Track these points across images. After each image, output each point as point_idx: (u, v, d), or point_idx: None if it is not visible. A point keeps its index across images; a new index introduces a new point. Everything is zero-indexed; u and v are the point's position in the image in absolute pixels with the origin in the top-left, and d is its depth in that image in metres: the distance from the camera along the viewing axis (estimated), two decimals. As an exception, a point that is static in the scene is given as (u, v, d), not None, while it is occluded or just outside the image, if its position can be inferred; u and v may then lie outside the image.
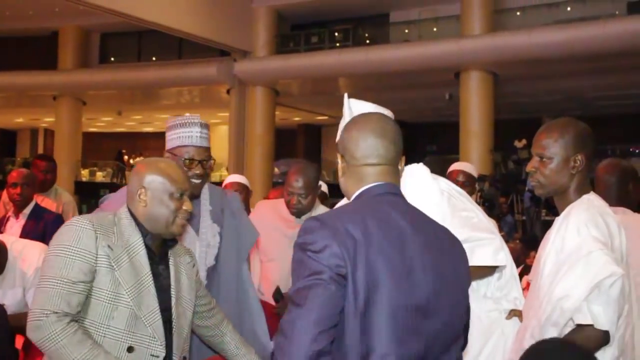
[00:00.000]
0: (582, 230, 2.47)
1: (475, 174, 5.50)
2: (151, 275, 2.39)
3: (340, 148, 2.01)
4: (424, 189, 3.03)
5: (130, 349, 2.28)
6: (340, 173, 2.02)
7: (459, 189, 3.24)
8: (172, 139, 3.04)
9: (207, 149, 3.09)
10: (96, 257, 2.27)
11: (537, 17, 16.91)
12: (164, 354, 2.34)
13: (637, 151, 19.17)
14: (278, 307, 3.85)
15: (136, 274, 2.34)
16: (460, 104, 16.78)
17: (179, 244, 2.61)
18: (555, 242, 2.56)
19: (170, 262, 2.51)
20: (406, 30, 19.29)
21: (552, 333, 2.41)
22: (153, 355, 2.31)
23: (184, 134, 3.03)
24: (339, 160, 2.02)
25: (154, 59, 22.07)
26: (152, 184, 2.45)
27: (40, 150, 31.68)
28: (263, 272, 4.22)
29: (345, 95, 2.91)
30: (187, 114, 3.25)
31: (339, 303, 1.69)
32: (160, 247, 2.49)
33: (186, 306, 2.51)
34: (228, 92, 19.90)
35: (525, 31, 15.71)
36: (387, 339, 1.71)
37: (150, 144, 30.77)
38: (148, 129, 30.65)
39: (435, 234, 1.92)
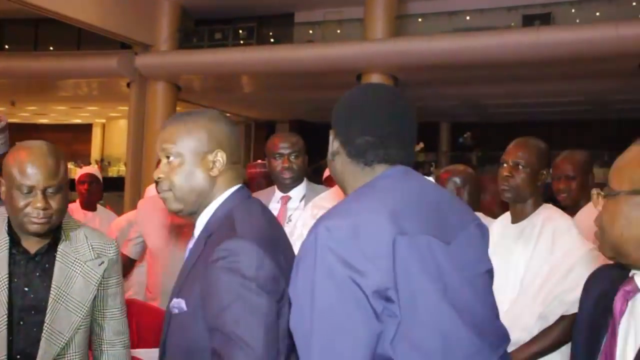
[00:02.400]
0: (573, 231, 2.85)
1: None
2: (7, 276, 2.29)
3: None
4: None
5: None
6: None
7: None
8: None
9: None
10: None
11: (438, 24, 17.30)
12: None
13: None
14: None
15: None
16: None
17: (87, 240, 2.45)
18: (539, 247, 2.87)
19: (57, 260, 2.36)
20: (310, 31, 19.37)
21: (542, 325, 2.76)
22: None
23: None
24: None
25: (51, 48, 21.35)
26: (6, 176, 2.30)
27: None
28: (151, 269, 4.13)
29: None
30: None
31: None
32: (41, 245, 2.36)
33: (72, 309, 2.35)
34: (128, 85, 19.46)
35: (426, 37, 16.05)
36: None
37: (47, 136, 29.83)
38: (44, 120, 29.67)
39: None
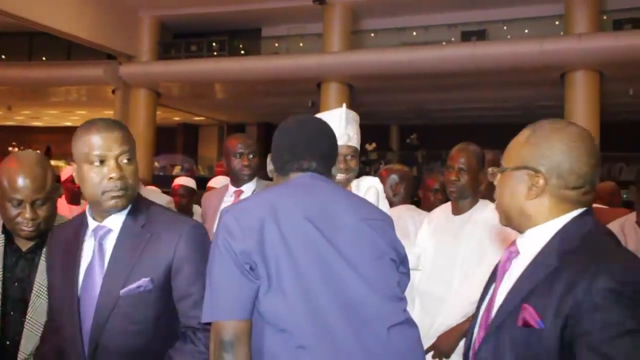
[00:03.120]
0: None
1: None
2: (1, 270, 2.28)
3: None
4: None
5: None
6: None
7: None
8: None
9: None
10: None
11: (388, 39, 17.40)
12: None
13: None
14: None
15: None
16: (320, 110, 16.97)
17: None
18: (480, 242, 2.99)
19: (42, 258, 2.31)
20: (276, 44, 19.34)
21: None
22: None
23: None
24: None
25: (44, 58, 21.00)
26: None
27: None
28: None
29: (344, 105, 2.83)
30: None
31: None
32: (31, 244, 2.34)
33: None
34: (113, 92, 19.28)
35: (378, 50, 16.17)
36: None
37: (41, 137, 29.32)
38: (38, 123, 29.18)
39: None
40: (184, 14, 18.86)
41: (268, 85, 17.83)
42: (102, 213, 2.03)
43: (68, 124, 28.79)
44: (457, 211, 3.15)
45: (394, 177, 4.01)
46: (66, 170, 5.54)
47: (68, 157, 25.49)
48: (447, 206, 3.27)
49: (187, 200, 5.83)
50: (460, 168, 3.07)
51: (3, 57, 21.77)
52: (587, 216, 1.61)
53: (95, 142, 1.98)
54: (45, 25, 15.81)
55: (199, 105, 22.61)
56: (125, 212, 2.05)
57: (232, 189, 3.81)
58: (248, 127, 26.42)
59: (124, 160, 2.00)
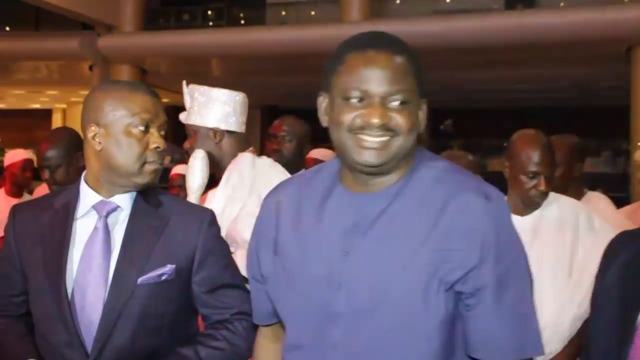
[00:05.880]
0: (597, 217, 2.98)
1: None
2: None
3: None
4: None
5: None
6: None
7: None
8: None
9: None
10: None
11: (417, 6, 17.35)
12: None
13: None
14: None
15: None
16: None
17: None
18: (581, 231, 2.95)
19: None
20: (283, 12, 19.34)
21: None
22: None
23: None
24: None
25: (7, 29, 21.09)
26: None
27: None
28: None
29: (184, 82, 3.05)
30: None
31: None
32: None
33: None
34: (90, 68, 19.27)
35: (404, 20, 16.09)
36: None
37: (2, 122, 29.50)
38: (0, 105, 29.38)
39: None
40: (174, -24, 18.93)
41: (274, 61, 17.79)
42: (113, 188, 2.06)
43: (36, 106, 28.93)
44: (520, 210, 3.06)
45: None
46: (14, 154, 5.56)
47: (37, 146, 25.66)
48: None
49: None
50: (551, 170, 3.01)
51: (-41, 27, 21.93)
52: None
53: (145, 105, 2.02)
54: (9, -11, 15.87)
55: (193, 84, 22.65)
56: (134, 191, 2.10)
57: None
58: (251, 110, 26.30)
59: (161, 132, 2.08)
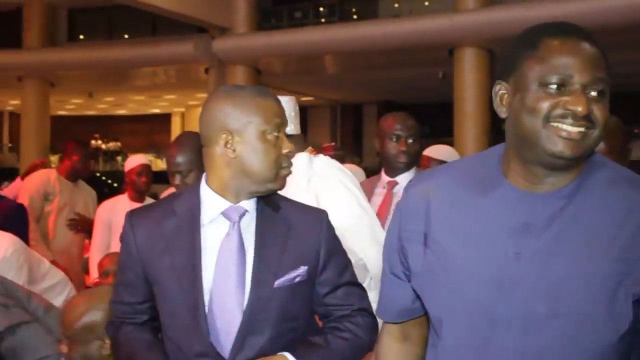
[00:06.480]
0: None
1: (449, 158, 5.23)
2: None
3: None
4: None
5: None
6: None
7: None
8: None
9: None
10: None
11: (536, -10, 16.84)
12: None
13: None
14: None
15: None
16: (454, 83, 16.74)
17: None
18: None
19: None
20: (396, 5, 19.20)
21: None
22: None
23: None
24: None
25: (126, 36, 21.86)
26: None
27: (6, 135, 31.44)
28: None
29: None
30: None
31: None
32: None
33: None
34: (206, 71, 19.71)
35: (524, 5, 15.66)
36: None
37: (124, 127, 30.65)
38: (122, 111, 30.49)
39: None
40: (285, -26, 19.11)
41: (389, 55, 17.69)
42: (241, 194, 2.07)
43: (156, 111, 29.90)
44: None
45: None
46: (131, 160, 5.71)
47: (157, 150, 26.47)
48: None
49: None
50: None
51: (81, 37, 22.86)
52: None
53: (276, 110, 2.07)
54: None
55: (307, 82, 22.83)
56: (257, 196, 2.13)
57: (385, 178, 3.83)
58: (366, 106, 26.46)
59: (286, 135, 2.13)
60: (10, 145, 30.27)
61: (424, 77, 19.63)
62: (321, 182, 2.72)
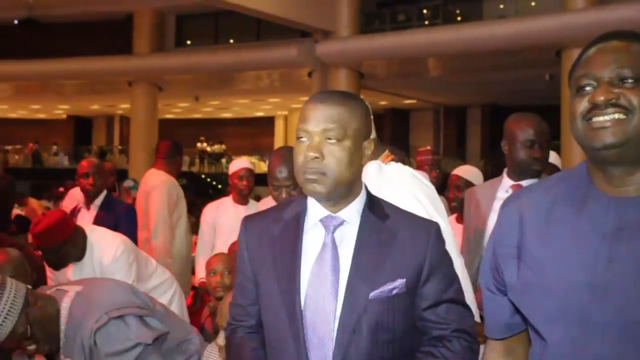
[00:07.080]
0: None
1: (476, 180, 5.07)
2: None
3: None
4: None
5: None
6: None
7: None
8: None
9: None
10: None
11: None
12: None
13: None
14: None
15: None
16: (561, 85, 16.43)
17: None
18: None
19: None
20: (501, 6, 18.98)
21: None
22: None
23: None
24: None
25: (231, 41, 22.35)
26: None
27: (117, 138, 32.62)
28: None
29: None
30: None
31: None
32: None
33: None
34: (310, 75, 19.98)
35: (634, 4, 15.24)
36: None
37: (229, 130, 31.28)
38: (226, 114, 31.11)
39: None
40: (388, -23, 19.15)
41: (494, 57, 17.54)
42: (340, 202, 2.07)
43: (260, 114, 30.40)
44: None
45: None
46: (235, 164, 5.82)
47: (261, 153, 26.91)
48: None
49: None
50: None
51: (188, 42, 23.50)
52: None
53: (306, 115, 2.08)
54: (232, 3, 16.79)
55: (410, 85, 22.80)
56: (363, 202, 2.11)
57: (507, 182, 3.73)
58: (470, 110, 26.20)
59: (328, 139, 2.03)
60: (120, 147, 31.43)
61: (530, 79, 19.32)
62: (391, 192, 2.69)
